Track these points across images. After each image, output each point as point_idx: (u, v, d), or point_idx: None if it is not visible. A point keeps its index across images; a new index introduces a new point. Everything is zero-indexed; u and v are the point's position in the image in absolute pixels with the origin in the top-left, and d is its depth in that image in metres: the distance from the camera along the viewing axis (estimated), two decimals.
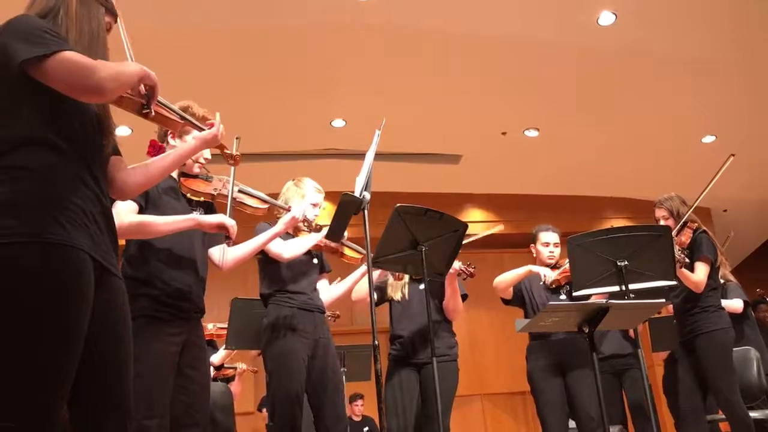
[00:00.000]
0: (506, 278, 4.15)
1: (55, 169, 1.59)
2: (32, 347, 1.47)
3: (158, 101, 1.98)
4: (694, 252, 3.96)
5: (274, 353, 3.28)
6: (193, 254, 2.63)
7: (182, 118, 2.12)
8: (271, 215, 3.36)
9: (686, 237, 3.96)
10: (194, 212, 2.75)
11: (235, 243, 2.88)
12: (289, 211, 3.19)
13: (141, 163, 2.03)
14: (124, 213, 2.44)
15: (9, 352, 1.46)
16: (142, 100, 1.77)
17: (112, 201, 1.85)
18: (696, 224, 4.04)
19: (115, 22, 1.86)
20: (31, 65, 1.56)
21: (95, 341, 1.62)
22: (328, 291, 3.66)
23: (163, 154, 2.11)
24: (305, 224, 3.31)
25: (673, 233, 3.85)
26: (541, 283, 4.07)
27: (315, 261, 3.54)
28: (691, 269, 3.90)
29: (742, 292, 4.94)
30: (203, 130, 2.20)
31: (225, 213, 2.73)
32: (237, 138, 2.32)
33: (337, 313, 4.24)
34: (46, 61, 1.55)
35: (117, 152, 1.84)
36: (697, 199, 4.11)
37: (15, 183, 1.54)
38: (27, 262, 1.49)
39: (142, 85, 1.76)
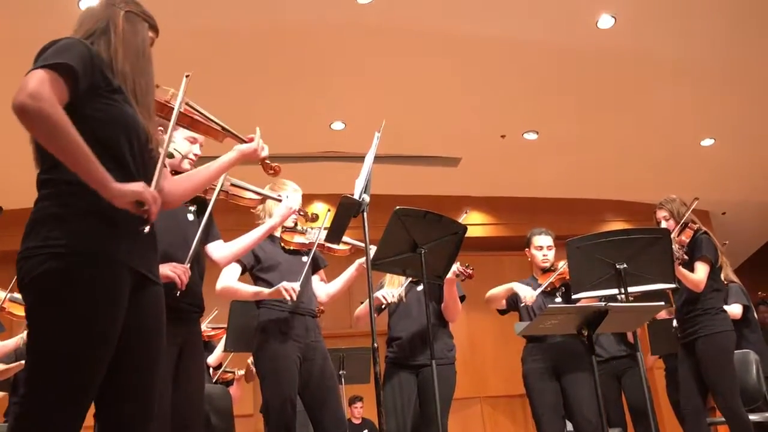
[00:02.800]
0: (494, 295, 4.19)
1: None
2: (68, 348, 1.54)
3: (199, 110, 2.21)
4: (694, 252, 3.96)
5: (266, 357, 3.27)
6: (187, 251, 2.61)
7: (224, 129, 2.30)
8: (254, 224, 3.38)
9: (686, 236, 3.97)
10: (189, 207, 2.76)
11: (231, 239, 2.91)
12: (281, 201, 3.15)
13: (184, 174, 2.15)
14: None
15: (48, 349, 1.55)
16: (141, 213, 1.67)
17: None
18: (697, 225, 4.05)
19: (157, 36, 1.93)
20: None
21: (128, 346, 1.67)
22: (324, 288, 3.65)
23: (205, 165, 2.21)
24: (301, 214, 3.29)
25: (674, 234, 3.86)
26: (521, 304, 4.07)
27: (304, 259, 3.48)
28: (691, 269, 3.91)
29: (744, 295, 4.93)
30: (244, 141, 2.36)
31: (220, 206, 2.79)
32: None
33: (322, 308, 4.22)
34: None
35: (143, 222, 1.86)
36: (692, 204, 4.10)
37: (60, 197, 1.62)
38: (69, 272, 1.56)
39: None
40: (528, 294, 4.00)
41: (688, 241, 3.95)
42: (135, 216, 1.64)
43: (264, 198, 3.14)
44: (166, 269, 2.44)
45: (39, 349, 1.57)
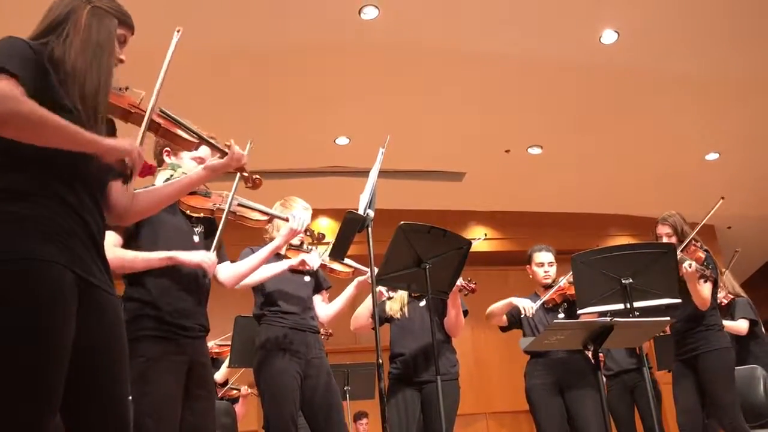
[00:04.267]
0: (494, 312, 4.17)
1: (35, 189, 1.60)
2: (15, 364, 1.48)
3: (174, 118, 2.05)
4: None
5: (266, 374, 3.26)
6: (196, 272, 2.60)
7: (199, 138, 2.15)
8: (259, 239, 3.38)
9: (700, 255, 3.93)
10: (194, 228, 2.75)
11: (236, 252, 2.91)
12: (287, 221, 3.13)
13: (145, 188, 2.04)
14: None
15: None
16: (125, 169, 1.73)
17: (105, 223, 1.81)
18: (699, 242, 4.03)
19: (132, 34, 1.86)
20: None
21: (85, 356, 1.61)
22: (325, 309, 3.64)
23: (170, 182, 2.14)
24: (308, 234, 3.29)
25: (679, 251, 3.84)
26: (523, 316, 4.06)
27: (307, 279, 3.50)
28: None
29: (751, 310, 4.91)
30: (222, 151, 2.22)
31: (230, 227, 2.74)
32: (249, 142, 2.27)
33: (330, 331, 4.21)
34: None
35: (121, 176, 1.80)
36: (702, 220, 4.07)
37: None
38: (6, 280, 1.51)
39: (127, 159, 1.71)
40: (528, 305, 3.99)
41: (703, 258, 3.91)
42: (71, 221, 1.63)
43: (271, 217, 3.14)
44: (199, 257, 2.52)
45: None
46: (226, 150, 2.23)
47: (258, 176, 2.51)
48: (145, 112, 1.93)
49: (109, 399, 1.66)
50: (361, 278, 3.61)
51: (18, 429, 1.47)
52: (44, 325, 1.52)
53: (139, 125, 1.92)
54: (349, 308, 3.74)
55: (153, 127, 2.01)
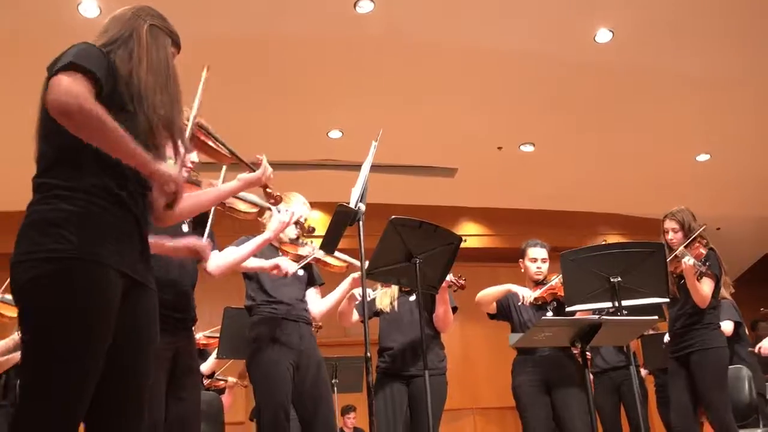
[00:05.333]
0: (487, 294, 4.14)
1: (92, 188, 1.64)
2: (61, 351, 1.55)
3: (209, 131, 2.25)
4: None
5: (258, 364, 3.27)
6: (183, 262, 2.60)
7: (231, 153, 2.36)
8: (255, 229, 3.38)
9: (701, 252, 3.89)
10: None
11: (225, 244, 2.92)
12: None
13: (188, 194, 2.13)
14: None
15: (43, 353, 1.55)
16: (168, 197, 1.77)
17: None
18: (706, 240, 3.99)
19: (178, 52, 1.93)
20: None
21: (119, 350, 1.67)
22: (318, 304, 3.64)
23: (207, 189, 2.30)
24: (297, 227, 3.28)
25: (682, 246, 3.83)
26: (519, 303, 4.06)
27: (300, 273, 3.49)
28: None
29: (735, 312, 4.94)
30: (249, 166, 2.43)
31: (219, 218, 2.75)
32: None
33: (320, 324, 4.19)
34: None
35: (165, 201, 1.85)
36: (701, 226, 4.04)
37: (52, 201, 1.62)
38: (59, 277, 1.56)
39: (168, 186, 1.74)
40: (527, 294, 3.98)
41: (705, 254, 3.88)
42: (125, 221, 1.68)
43: (262, 209, 3.13)
44: (190, 240, 2.49)
45: (33, 353, 1.57)
46: (252, 166, 2.43)
47: (279, 194, 2.72)
48: (186, 125, 2.08)
49: (132, 389, 1.72)
50: (355, 275, 3.61)
51: (57, 405, 1.53)
52: (91, 329, 1.58)
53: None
54: (336, 303, 3.74)
55: (194, 141, 2.23)
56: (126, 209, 1.71)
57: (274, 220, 3.10)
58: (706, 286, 3.87)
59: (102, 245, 1.63)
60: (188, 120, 2.07)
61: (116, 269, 1.65)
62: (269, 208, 3.13)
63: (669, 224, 4.06)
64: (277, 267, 3.21)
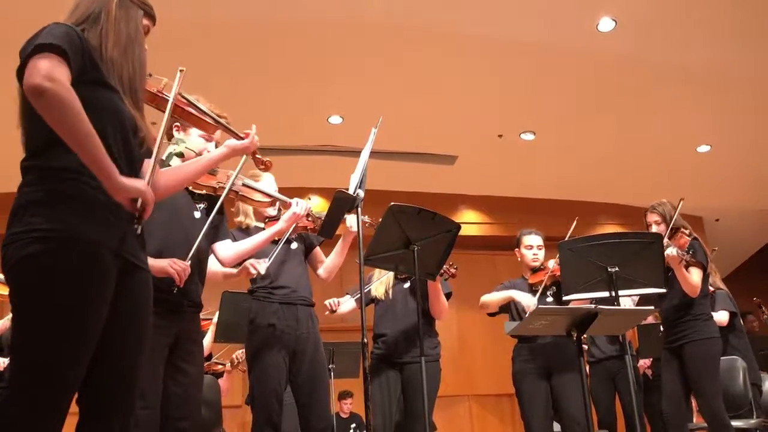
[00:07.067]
0: (490, 301, 4.17)
1: (82, 168, 1.63)
2: (53, 330, 1.55)
3: (192, 102, 2.22)
4: None
5: (254, 349, 3.28)
6: (188, 249, 2.59)
7: (216, 122, 2.32)
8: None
9: (684, 241, 3.96)
10: (197, 205, 2.75)
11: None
12: (289, 207, 3.14)
13: (172, 167, 2.15)
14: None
15: (34, 332, 1.56)
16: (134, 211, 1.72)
17: None
18: (688, 230, 4.05)
19: (154, 24, 1.93)
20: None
21: (113, 329, 1.68)
22: (324, 267, 3.59)
23: (194, 159, 2.24)
24: (309, 219, 3.28)
25: (665, 238, 3.87)
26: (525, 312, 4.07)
27: (294, 246, 3.46)
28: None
29: (730, 302, 4.96)
30: (237, 135, 2.37)
31: (230, 205, 2.78)
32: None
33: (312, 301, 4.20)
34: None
35: (149, 155, 1.87)
36: (678, 204, 4.08)
37: (43, 182, 1.63)
38: (51, 257, 1.57)
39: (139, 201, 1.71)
40: (531, 302, 3.99)
41: (686, 245, 3.95)
42: (117, 201, 1.67)
43: (274, 200, 3.14)
44: (166, 264, 2.43)
45: (24, 332, 1.57)
46: (241, 134, 2.37)
47: (269, 159, 2.65)
48: (168, 96, 2.08)
49: (125, 368, 1.73)
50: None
51: (41, 406, 1.53)
52: (83, 309, 1.59)
53: (163, 109, 2.06)
54: (337, 283, 3.70)
55: (176, 111, 2.20)
56: None
57: (288, 212, 3.12)
58: (695, 276, 3.90)
59: (94, 225, 1.63)
60: (170, 91, 2.07)
61: (109, 248, 1.65)
62: (284, 200, 3.15)
63: (651, 217, 4.13)
64: (245, 270, 3.18)
